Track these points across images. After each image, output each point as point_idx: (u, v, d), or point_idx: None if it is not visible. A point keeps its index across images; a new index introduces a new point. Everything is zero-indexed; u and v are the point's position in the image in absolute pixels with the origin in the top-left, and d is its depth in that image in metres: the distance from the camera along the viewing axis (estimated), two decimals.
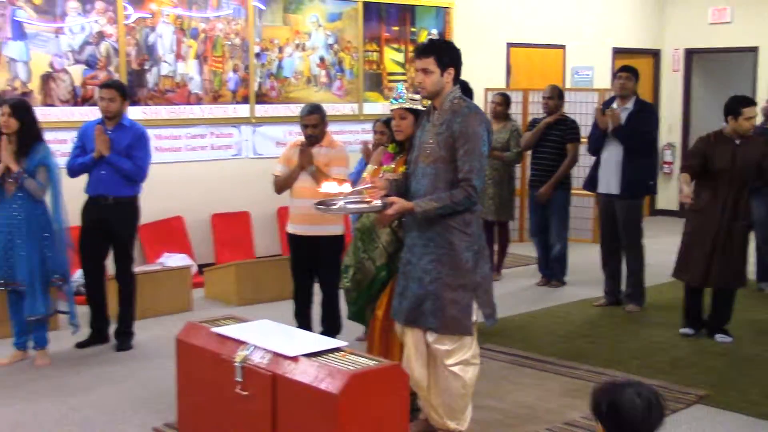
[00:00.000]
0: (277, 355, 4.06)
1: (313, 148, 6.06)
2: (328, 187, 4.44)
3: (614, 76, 7.40)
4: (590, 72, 12.25)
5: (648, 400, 2.57)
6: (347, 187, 4.45)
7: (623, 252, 7.39)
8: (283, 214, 9.06)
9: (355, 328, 6.40)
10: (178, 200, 8.47)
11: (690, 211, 6.39)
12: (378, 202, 4.28)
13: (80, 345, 6.28)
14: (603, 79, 12.28)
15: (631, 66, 7.41)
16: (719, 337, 6.39)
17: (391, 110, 4.99)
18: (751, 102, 6.31)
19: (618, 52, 12.60)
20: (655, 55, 13.13)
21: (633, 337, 6.54)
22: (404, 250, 4.54)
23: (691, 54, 12.99)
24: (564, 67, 12.00)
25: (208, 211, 8.75)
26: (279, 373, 3.98)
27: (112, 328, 6.44)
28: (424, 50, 4.32)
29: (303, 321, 6.25)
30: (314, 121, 6.02)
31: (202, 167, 8.69)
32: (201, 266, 8.32)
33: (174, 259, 8.00)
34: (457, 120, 4.27)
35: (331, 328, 6.25)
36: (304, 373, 3.90)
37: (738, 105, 6.20)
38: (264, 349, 4.14)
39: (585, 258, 9.24)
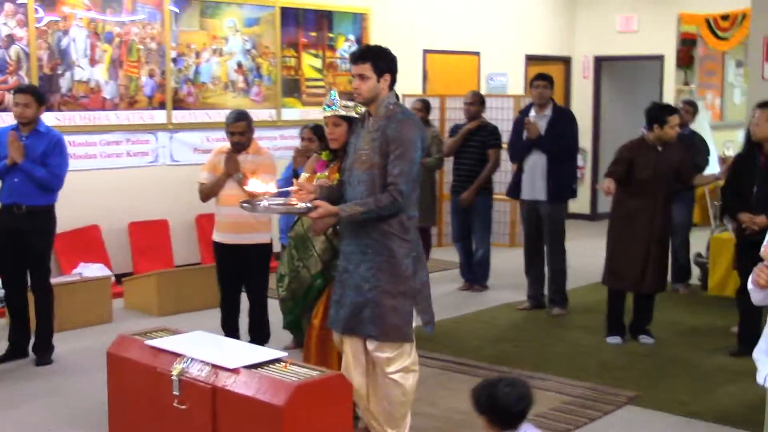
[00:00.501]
0: (216, 367, 3.98)
1: (239, 155, 5.97)
2: (254, 185, 4.37)
3: (531, 84, 7.51)
4: (504, 78, 12.43)
5: (518, 390, 3.17)
6: (272, 187, 4.40)
7: (546, 256, 7.49)
8: (202, 221, 8.91)
9: (283, 337, 6.32)
10: (93, 208, 8.23)
11: (616, 218, 6.49)
12: (303, 204, 4.22)
13: None
14: (517, 85, 12.47)
15: (547, 74, 7.54)
16: (643, 339, 6.54)
17: (324, 117, 4.94)
18: (675, 110, 6.46)
19: (531, 59, 12.81)
20: (566, 62, 13.39)
21: (559, 341, 6.63)
22: (340, 257, 4.48)
23: (600, 61, 13.30)
24: (479, 73, 12.13)
25: (125, 220, 8.53)
26: (219, 386, 3.90)
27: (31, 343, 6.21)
28: (360, 56, 4.28)
29: (230, 331, 6.14)
30: (241, 129, 5.93)
31: (119, 174, 8.47)
32: (118, 276, 8.10)
33: (91, 269, 7.76)
34: (392, 126, 4.24)
35: (259, 337, 6.16)
36: (246, 385, 3.83)
37: (663, 113, 6.33)
38: (202, 362, 4.05)
39: (505, 262, 9.35)
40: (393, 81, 4.37)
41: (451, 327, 7.02)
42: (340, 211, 4.14)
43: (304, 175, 5.17)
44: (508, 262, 9.41)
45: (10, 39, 7.71)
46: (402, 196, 4.15)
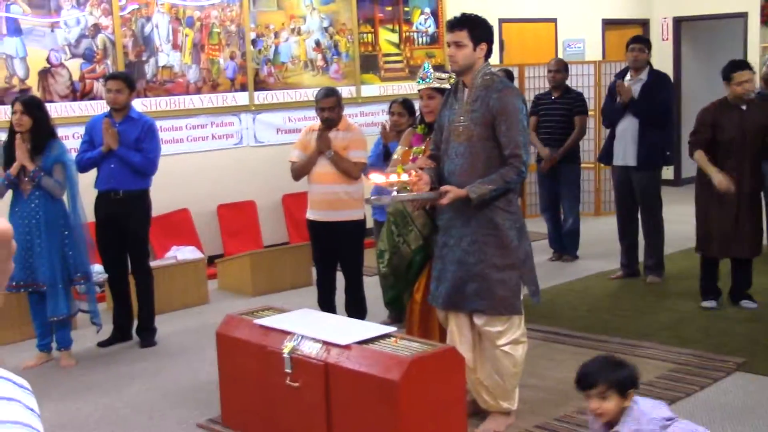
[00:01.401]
0: (327, 344, 4.00)
1: (330, 132, 5.97)
2: (376, 177, 4.31)
3: (626, 48, 7.33)
4: (581, 44, 12.21)
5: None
6: (394, 177, 4.33)
7: (641, 223, 7.35)
8: (287, 201, 8.98)
9: (379, 313, 6.33)
10: (182, 192, 8.35)
11: (703, 184, 6.27)
12: (427, 193, 4.18)
13: (103, 344, 6.17)
14: (595, 50, 12.25)
15: (643, 36, 7.38)
16: (745, 303, 6.38)
17: (419, 90, 4.92)
18: (742, 66, 6.17)
19: (607, 24, 12.56)
20: (644, 24, 13.09)
21: (657, 308, 6.52)
22: (439, 233, 4.46)
23: (679, 22, 12.97)
24: (556, 40, 11.95)
25: (214, 202, 8.64)
26: (331, 362, 3.92)
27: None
28: (457, 23, 4.23)
29: (327, 308, 6.17)
30: (331, 104, 5.93)
31: (205, 158, 8.57)
32: (210, 258, 8.21)
33: (183, 252, 7.87)
34: (493, 96, 4.19)
35: (356, 314, 6.17)
36: (359, 361, 3.84)
37: (729, 70, 6.11)
38: (313, 339, 4.07)
39: (592, 231, 9.22)
40: (489, 51, 4.32)
41: (546, 298, 6.91)
42: (470, 193, 4.08)
43: (400, 148, 5.16)
44: (595, 230, 9.27)
45: (96, 28, 7.83)
46: (525, 166, 4.13)
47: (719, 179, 6.00)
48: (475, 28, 4.24)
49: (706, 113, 6.27)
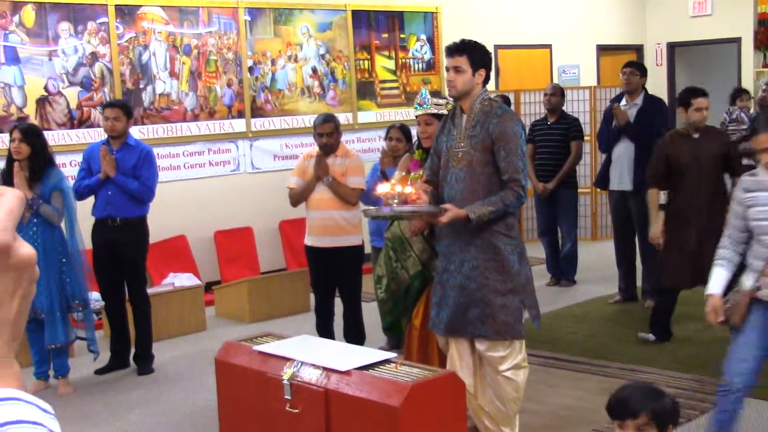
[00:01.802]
0: (327, 370, 3.98)
1: (328, 159, 5.98)
2: (382, 188, 4.26)
3: (621, 72, 7.37)
4: (576, 70, 12.28)
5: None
6: (408, 188, 4.30)
7: (638, 248, 7.36)
8: (285, 227, 8.98)
9: (378, 339, 6.32)
10: (180, 219, 8.35)
11: (666, 217, 6.13)
12: (431, 207, 4.15)
13: (100, 371, 6.15)
14: (590, 76, 12.32)
15: (636, 61, 7.43)
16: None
17: (416, 116, 4.94)
18: (700, 93, 6.08)
19: (602, 49, 12.65)
20: (638, 50, 13.18)
21: None
22: (440, 258, 4.46)
23: (673, 48, 13.07)
24: (551, 66, 12.02)
25: (211, 228, 8.64)
26: (332, 389, 3.90)
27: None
28: (456, 48, 4.26)
29: (326, 334, 6.15)
30: (329, 130, 5.95)
31: (202, 184, 8.58)
32: (207, 284, 8.19)
33: (180, 279, 7.87)
34: (493, 121, 4.21)
35: (355, 339, 6.15)
36: (359, 387, 3.82)
37: (688, 95, 6.03)
38: (313, 365, 4.05)
39: (590, 255, 9.23)
40: (487, 77, 4.35)
41: (545, 323, 6.84)
42: (469, 213, 4.07)
43: (398, 174, 5.17)
44: (592, 255, 9.28)
45: (94, 57, 7.87)
46: (524, 191, 4.14)
47: (653, 230, 6.09)
48: (475, 53, 4.26)
49: (660, 147, 6.17)
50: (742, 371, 4.03)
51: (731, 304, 4.07)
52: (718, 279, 4.15)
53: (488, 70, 4.32)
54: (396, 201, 4.07)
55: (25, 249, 0.85)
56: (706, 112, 6.01)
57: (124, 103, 6.49)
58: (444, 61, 10.33)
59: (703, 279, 6.08)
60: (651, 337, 6.27)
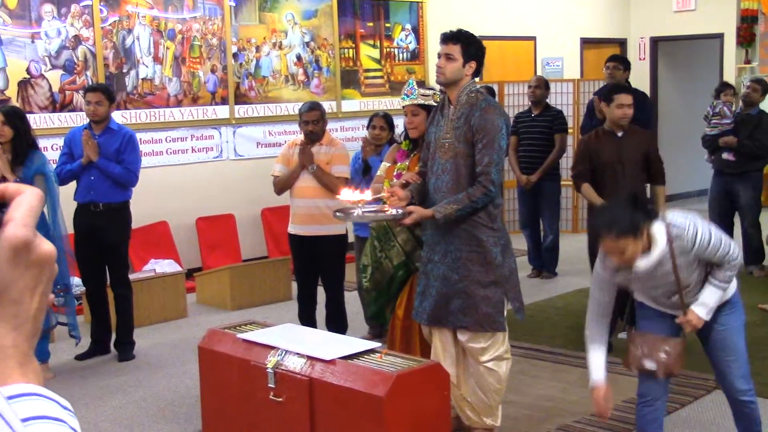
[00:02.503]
0: (311, 359, 3.98)
1: (313, 147, 5.96)
2: (346, 194, 4.33)
3: (604, 66, 7.41)
4: (560, 63, 12.30)
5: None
6: (368, 195, 4.33)
7: None
8: (267, 215, 8.96)
9: (359, 328, 6.33)
10: (161, 205, 8.31)
11: (591, 216, 5.99)
12: (394, 211, 4.19)
13: (80, 357, 6.12)
14: (573, 69, 12.34)
15: (619, 55, 7.45)
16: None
17: (403, 107, 4.93)
18: (624, 89, 6.01)
19: (586, 42, 12.67)
20: (621, 44, 13.22)
21: None
22: (424, 248, 4.47)
23: (656, 42, 13.11)
24: (535, 58, 12.03)
25: (193, 215, 8.60)
26: (316, 378, 3.90)
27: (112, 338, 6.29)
28: (451, 37, 4.26)
29: (308, 322, 6.14)
30: (315, 117, 5.93)
31: (184, 170, 8.54)
32: (188, 271, 8.16)
33: (162, 265, 7.83)
34: (476, 114, 4.21)
35: (337, 328, 6.15)
36: (344, 376, 3.83)
37: (610, 92, 5.94)
38: (297, 354, 4.05)
39: (570, 248, 9.25)
40: (477, 71, 4.35)
41: (526, 315, 6.77)
42: (435, 213, 4.10)
43: (384, 165, 5.16)
44: (574, 247, 9.30)
45: (77, 40, 7.80)
46: (494, 186, 4.13)
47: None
48: (469, 45, 4.27)
49: (583, 144, 6.11)
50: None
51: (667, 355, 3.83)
52: (597, 363, 3.84)
53: (479, 64, 4.32)
54: (360, 206, 4.11)
55: (46, 246, 0.86)
56: (628, 109, 5.84)
57: (106, 87, 6.43)
58: (429, 50, 10.39)
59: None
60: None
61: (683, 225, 3.55)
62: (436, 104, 4.64)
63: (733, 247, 3.65)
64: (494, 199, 4.24)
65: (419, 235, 4.62)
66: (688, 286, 3.69)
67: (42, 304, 0.87)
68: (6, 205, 0.87)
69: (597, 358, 3.83)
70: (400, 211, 4.14)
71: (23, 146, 5.59)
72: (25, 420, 0.78)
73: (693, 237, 3.54)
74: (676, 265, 3.58)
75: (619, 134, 5.89)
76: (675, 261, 3.57)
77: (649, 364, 3.77)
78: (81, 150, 6.05)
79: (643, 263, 3.54)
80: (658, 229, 3.53)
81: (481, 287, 4.20)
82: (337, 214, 4.31)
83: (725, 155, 8.03)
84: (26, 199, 0.87)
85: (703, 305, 3.70)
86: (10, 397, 0.79)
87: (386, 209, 4.22)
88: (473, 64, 4.27)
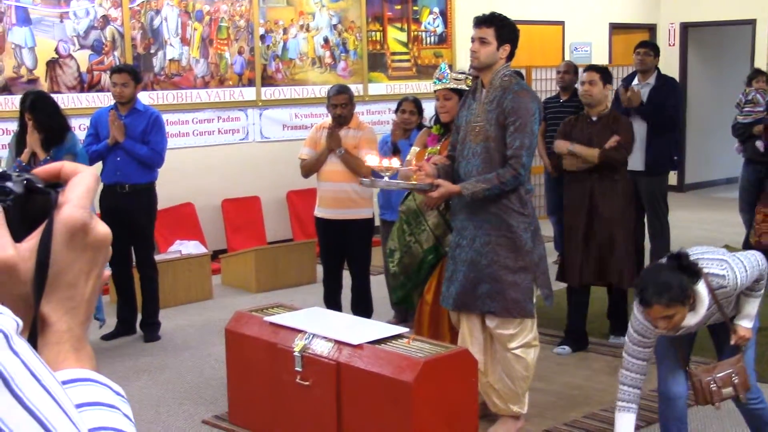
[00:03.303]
0: (339, 343, 3.97)
1: (340, 131, 5.93)
2: (372, 159, 4.31)
3: (634, 51, 7.31)
4: (588, 48, 12.18)
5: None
6: (395, 162, 4.30)
7: (647, 228, 7.32)
8: (292, 198, 8.94)
9: (385, 312, 6.31)
10: (187, 186, 8.31)
11: (565, 206, 5.89)
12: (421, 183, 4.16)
13: (106, 337, 6.13)
14: (602, 55, 12.22)
15: (650, 41, 7.35)
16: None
17: (435, 91, 4.89)
18: (591, 68, 5.85)
19: (615, 28, 12.54)
20: (651, 29, 13.07)
21: None
22: (453, 233, 4.43)
23: (686, 28, 12.95)
24: (563, 43, 11.92)
25: (218, 197, 8.60)
26: (343, 362, 3.89)
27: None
28: (485, 20, 4.22)
29: (333, 306, 6.13)
30: (343, 101, 5.89)
31: (211, 152, 8.53)
32: (214, 253, 8.16)
33: (187, 247, 7.83)
34: (508, 97, 4.17)
35: (362, 312, 6.12)
36: (372, 361, 3.81)
37: (584, 71, 5.75)
38: (324, 338, 4.04)
39: None
40: (511, 54, 4.30)
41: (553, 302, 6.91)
42: (463, 189, 4.07)
43: (414, 150, 5.13)
44: None
45: (105, 20, 7.79)
46: (524, 169, 4.09)
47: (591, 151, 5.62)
48: (503, 28, 4.22)
49: (561, 125, 6.00)
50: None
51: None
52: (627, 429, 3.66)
53: (513, 46, 4.27)
54: (388, 174, 4.09)
55: (102, 228, 0.83)
56: (591, 87, 5.62)
57: (133, 68, 6.42)
58: (457, 34, 10.30)
59: (586, 278, 5.63)
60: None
61: (722, 274, 3.48)
62: (468, 88, 4.59)
63: (761, 260, 3.60)
64: (523, 183, 4.20)
65: (449, 219, 4.58)
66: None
67: (96, 287, 0.85)
68: (61, 185, 0.84)
69: (627, 425, 3.67)
70: (428, 183, 4.12)
71: (55, 130, 5.58)
72: (79, 406, 0.77)
73: (734, 282, 3.48)
74: (722, 309, 3.54)
75: (594, 119, 5.75)
76: (722, 309, 3.54)
77: (727, 392, 3.72)
78: (107, 131, 6.05)
79: (691, 322, 3.48)
80: (701, 287, 3.45)
81: (509, 272, 4.16)
82: (364, 180, 4.29)
83: (758, 143, 7.92)
84: (83, 180, 0.85)
85: (748, 317, 3.69)
86: (65, 382, 0.77)
87: (415, 179, 4.20)
88: (507, 47, 4.22)
